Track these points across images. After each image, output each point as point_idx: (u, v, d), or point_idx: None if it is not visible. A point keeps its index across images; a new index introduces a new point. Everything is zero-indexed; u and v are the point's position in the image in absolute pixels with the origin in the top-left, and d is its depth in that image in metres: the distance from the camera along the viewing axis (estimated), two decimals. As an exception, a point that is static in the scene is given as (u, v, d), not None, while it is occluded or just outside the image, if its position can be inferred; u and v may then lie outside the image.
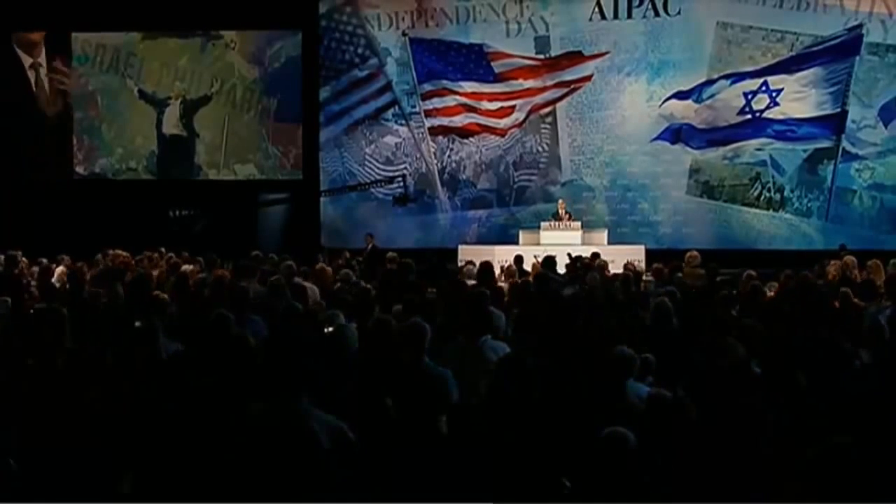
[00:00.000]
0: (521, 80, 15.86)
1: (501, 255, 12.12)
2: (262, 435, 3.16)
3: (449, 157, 16.73)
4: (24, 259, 10.34)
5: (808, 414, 3.66)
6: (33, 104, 17.68)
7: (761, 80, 14.88)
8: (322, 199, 17.02)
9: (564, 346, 4.79)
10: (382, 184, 16.57)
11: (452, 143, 16.68)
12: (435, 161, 16.66)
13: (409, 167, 16.74)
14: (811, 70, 14.79)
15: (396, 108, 16.79)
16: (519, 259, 10.65)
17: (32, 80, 17.74)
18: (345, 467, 3.11)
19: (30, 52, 17.70)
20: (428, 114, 16.42)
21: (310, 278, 8.31)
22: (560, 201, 14.90)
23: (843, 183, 15.15)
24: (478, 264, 9.07)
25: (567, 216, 14.39)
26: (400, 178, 16.23)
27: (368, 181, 16.73)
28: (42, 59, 17.68)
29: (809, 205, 15.32)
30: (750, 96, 14.91)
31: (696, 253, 10.36)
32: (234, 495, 3.12)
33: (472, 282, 8.13)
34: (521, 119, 15.99)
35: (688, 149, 15.42)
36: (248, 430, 3.21)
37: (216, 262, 9.58)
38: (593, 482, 3.16)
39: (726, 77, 15.09)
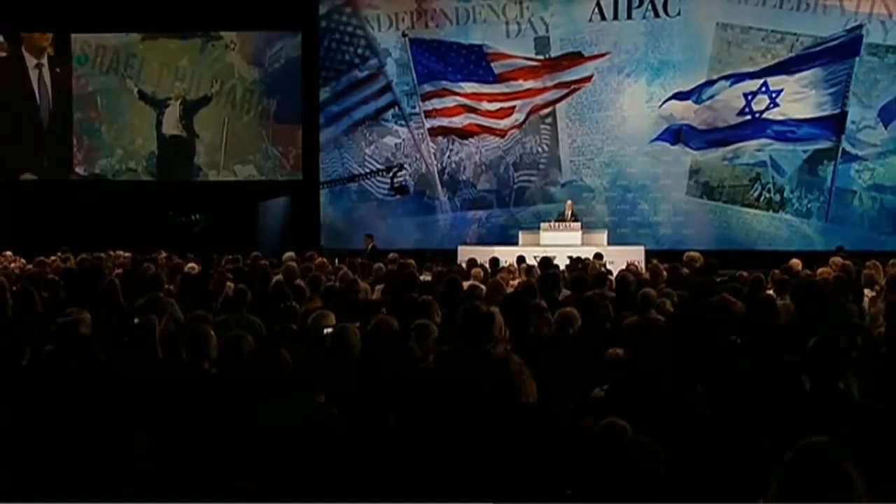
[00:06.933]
0: (520, 81, 15.86)
1: (501, 256, 12.09)
2: (270, 433, 3.15)
3: (449, 157, 16.73)
4: (18, 257, 10.32)
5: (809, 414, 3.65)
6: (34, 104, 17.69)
7: (761, 81, 14.89)
8: (322, 200, 16.98)
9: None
10: (382, 173, 16.47)
11: (452, 143, 16.68)
12: (435, 162, 16.65)
13: (408, 167, 16.73)
14: (811, 71, 14.80)
15: (396, 108, 16.78)
16: (521, 260, 10.65)
17: (35, 81, 17.74)
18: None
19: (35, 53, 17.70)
20: (428, 114, 16.41)
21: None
22: (569, 202, 14.87)
23: (843, 184, 15.15)
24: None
25: (572, 218, 14.35)
26: (396, 168, 16.08)
27: (367, 171, 16.68)
28: (45, 60, 17.67)
29: (809, 206, 15.32)
30: (750, 97, 14.92)
31: (696, 254, 9.48)
32: (242, 493, 3.12)
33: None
34: (521, 120, 15.98)
35: (688, 150, 15.43)
36: (256, 429, 3.20)
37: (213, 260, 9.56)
38: (591, 477, 3.05)
39: (726, 78, 15.09)
